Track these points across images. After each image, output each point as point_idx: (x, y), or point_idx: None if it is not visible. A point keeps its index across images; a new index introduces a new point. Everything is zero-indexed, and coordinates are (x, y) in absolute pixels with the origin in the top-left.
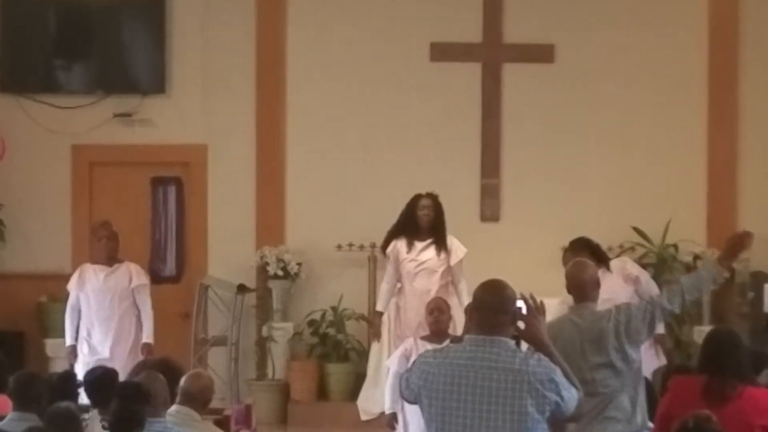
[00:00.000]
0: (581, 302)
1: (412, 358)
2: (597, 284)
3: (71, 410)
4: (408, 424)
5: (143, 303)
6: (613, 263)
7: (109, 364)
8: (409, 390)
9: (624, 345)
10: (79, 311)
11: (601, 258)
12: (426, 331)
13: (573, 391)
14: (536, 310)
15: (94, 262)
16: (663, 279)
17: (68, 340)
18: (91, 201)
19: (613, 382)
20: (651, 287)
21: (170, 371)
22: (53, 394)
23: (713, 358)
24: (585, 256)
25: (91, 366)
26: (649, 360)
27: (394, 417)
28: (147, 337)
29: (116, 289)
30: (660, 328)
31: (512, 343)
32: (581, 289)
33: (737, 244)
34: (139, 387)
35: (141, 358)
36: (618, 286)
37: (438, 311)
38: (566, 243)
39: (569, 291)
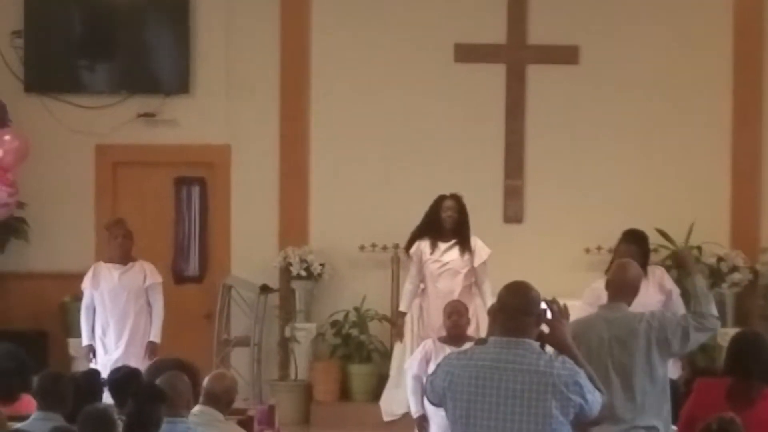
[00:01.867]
0: (615, 302)
1: (432, 361)
2: (636, 290)
3: (108, 412)
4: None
5: (155, 301)
6: (651, 269)
7: (124, 363)
8: (434, 393)
9: (652, 351)
10: (94, 310)
11: (645, 260)
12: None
13: (597, 394)
14: (560, 313)
15: (108, 260)
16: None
17: (85, 340)
18: (114, 201)
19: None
20: (679, 305)
21: (187, 372)
22: (78, 394)
23: (738, 360)
24: (635, 251)
25: (107, 365)
26: (671, 368)
27: (423, 419)
28: (154, 336)
29: (131, 288)
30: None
31: (537, 345)
32: (620, 288)
33: (678, 262)
34: (156, 387)
35: (155, 357)
36: (651, 292)
37: (457, 315)
38: (589, 245)
39: (607, 286)
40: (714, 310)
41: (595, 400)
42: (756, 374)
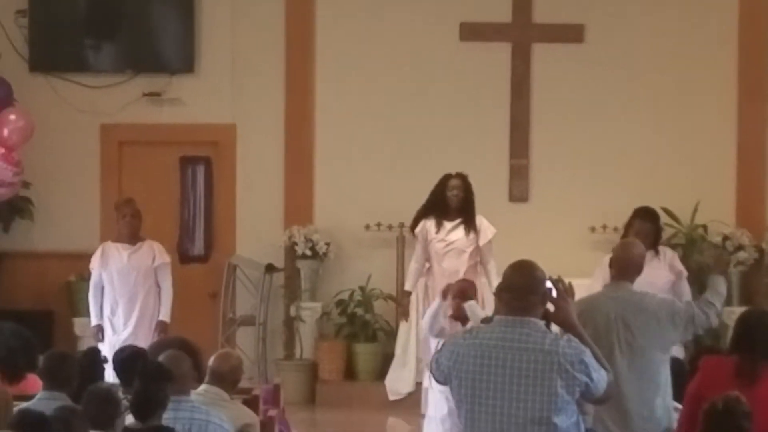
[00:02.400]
0: (619, 280)
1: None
2: (640, 269)
3: (112, 392)
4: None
5: (164, 281)
6: (662, 249)
7: (133, 343)
8: (439, 371)
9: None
10: (102, 289)
11: (657, 238)
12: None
13: (603, 372)
14: (565, 292)
15: (117, 240)
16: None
17: (94, 320)
18: (120, 180)
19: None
20: (686, 289)
21: (189, 352)
22: (80, 372)
23: (745, 338)
24: (649, 228)
25: (116, 345)
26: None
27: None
28: (163, 315)
29: (140, 268)
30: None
31: (542, 323)
32: (624, 267)
33: (717, 261)
34: (162, 367)
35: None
36: (662, 271)
37: (460, 297)
38: (594, 224)
39: (611, 265)
40: (721, 310)
41: (600, 378)
42: (762, 352)
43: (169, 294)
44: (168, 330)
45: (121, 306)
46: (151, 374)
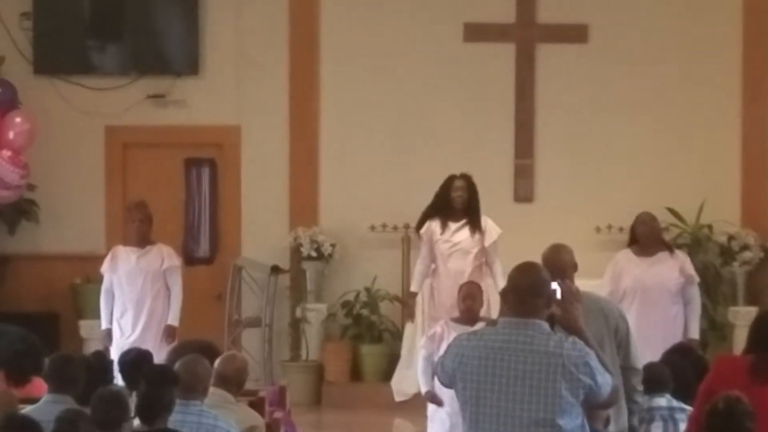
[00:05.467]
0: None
1: (444, 341)
2: (575, 266)
3: (121, 394)
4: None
5: (174, 284)
6: (676, 252)
7: (140, 346)
8: (444, 374)
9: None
10: (113, 294)
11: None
12: (458, 313)
13: (607, 376)
14: (571, 295)
15: (127, 243)
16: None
17: (104, 324)
18: (124, 182)
19: None
20: (696, 294)
21: (213, 356)
22: (90, 375)
23: (761, 337)
24: (660, 234)
25: (123, 348)
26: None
27: (434, 395)
28: (172, 319)
29: (148, 271)
30: (694, 333)
31: (547, 325)
32: (560, 272)
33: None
34: (167, 370)
35: (172, 340)
36: (673, 272)
37: (471, 299)
38: (600, 224)
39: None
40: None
41: (605, 382)
42: None
43: (178, 297)
44: (176, 334)
45: (129, 309)
46: (157, 377)
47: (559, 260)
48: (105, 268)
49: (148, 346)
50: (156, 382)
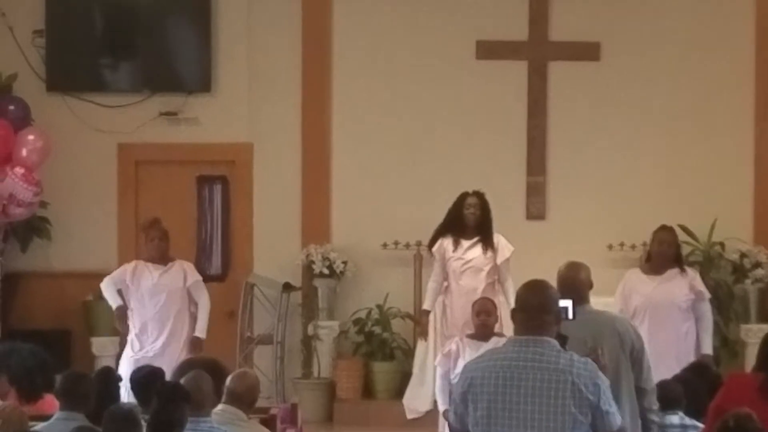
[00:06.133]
0: (578, 305)
1: (460, 358)
2: (591, 285)
3: (132, 413)
4: None
5: (201, 297)
6: (687, 269)
7: (162, 362)
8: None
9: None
10: (120, 288)
11: (679, 254)
12: (472, 330)
13: (617, 416)
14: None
15: (148, 260)
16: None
17: (115, 303)
18: (137, 200)
19: None
20: (707, 310)
21: (217, 372)
22: (96, 393)
23: None
24: (675, 249)
25: (140, 362)
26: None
27: None
28: (199, 331)
29: (171, 288)
30: (707, 349)
31: (556, 343)
32: (576, 291)
33: None
34: (179, 387)
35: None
36: (683, 289)
37: (485, 314)
38: (612, 241)
39: (562, 294)
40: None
41: (612, 413)
42: None
43: (206, 309)
44: (202, 347)
45: (150, 325)
46: (169, 394)
47: (575, 278)
48: (126, 269)
49: (169, 361)
50: (168, 399)
